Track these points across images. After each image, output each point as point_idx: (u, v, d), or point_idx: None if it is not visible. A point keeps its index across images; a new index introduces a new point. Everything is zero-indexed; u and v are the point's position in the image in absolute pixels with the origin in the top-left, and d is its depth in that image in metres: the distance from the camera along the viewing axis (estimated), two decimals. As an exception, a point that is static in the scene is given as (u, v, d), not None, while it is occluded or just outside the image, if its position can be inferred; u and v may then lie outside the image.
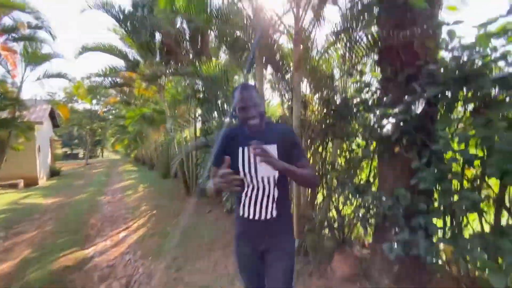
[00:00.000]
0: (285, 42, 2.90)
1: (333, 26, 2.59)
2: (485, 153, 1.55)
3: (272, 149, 1.27)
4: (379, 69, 2.40)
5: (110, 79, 5.94)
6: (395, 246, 1.93)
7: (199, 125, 7.28)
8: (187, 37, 7.05)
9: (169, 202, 6.74)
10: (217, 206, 5.91)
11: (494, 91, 1.54)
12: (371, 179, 2.88)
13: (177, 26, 6.57)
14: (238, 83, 3.73)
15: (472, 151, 1.61)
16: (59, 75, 10.55)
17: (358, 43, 2.43)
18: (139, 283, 2.93)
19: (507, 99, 1.44)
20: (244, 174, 1.31)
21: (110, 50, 6.31)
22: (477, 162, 1.62)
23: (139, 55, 6.70)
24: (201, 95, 5.81)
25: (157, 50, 6.75)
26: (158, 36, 6.86)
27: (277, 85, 3.39)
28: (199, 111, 7.54)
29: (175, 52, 6.75)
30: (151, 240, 4.18)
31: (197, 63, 3.72)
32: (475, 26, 1.76)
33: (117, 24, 6.48)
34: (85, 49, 6.20)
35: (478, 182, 1.70)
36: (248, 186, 1.34)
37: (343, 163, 3.04)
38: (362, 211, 2.33)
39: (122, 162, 26.23)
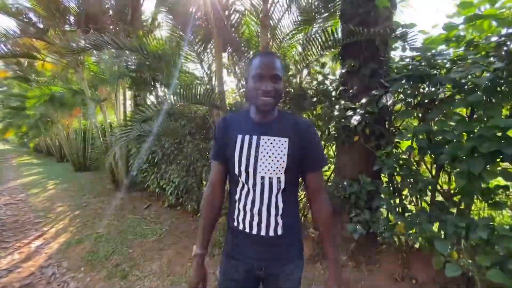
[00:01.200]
0: (248, 25, 2.73)
1: (296, 15, 2.57)
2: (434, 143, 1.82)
3: (282, 144, 0.99)
4: (339, 62, 2.53)
5: (9, 48, 4.48)
6: (358, 227, 2.12)
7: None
8: (115, 8, 5.99)
9: (94, 199, 5.81)
10: (156, 200, 5.42)
11: (443, 90, 1.81)
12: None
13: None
14: (183, 62, 3.37)
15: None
16: None
17: (319, 36, 2.49)
18: (74, 301, 2.42)
19: (456, 97, 1.70)
20: (239, 172, 1.02)
21: (3, 7, 4.76)
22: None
23: (47, 19, 5.31)
24: (135, 74, 5.08)
25: (71, 16, 5.49)
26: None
27: (233, 69, 3.22)
28: (128, 93, 6.63)
29: (98, 21, 5.63)
30: (79, 247, 3.50)
31: (142, 36, 3.15)
32: (421, 31, 2.02)
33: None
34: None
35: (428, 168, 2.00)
36: (242, 188, 1.03)
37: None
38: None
39: (15, 153, 21.10)
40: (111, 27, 5.94)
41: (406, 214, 2.05)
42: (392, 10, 2.19)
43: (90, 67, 6.11)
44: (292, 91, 2.85)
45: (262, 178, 0.99)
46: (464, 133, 1.61)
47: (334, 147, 3.03)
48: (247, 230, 1.03)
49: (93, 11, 5.61)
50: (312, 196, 1.06)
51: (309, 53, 2.64)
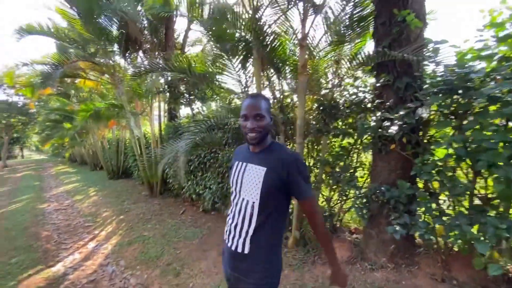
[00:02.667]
0: (284, 45, 3.00)
1: (330, 33, 2.80)
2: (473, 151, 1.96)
3: (259, 172, 1.15)
4: (373, 76, 2.72)
5: (60, 68, 5.07)
6: (397, 228, 2.28)
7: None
8: (150, 28, 6.53)
9: (134, 205, 6.24)
10: (189, 205, 5.76)
11: (477, 103, 1.95)
12: (357, 172, 3.27)
13: (140, 15, 6.03)
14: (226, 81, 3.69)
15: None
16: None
17: (355, 55, 2.70)
18: (138, 294, 2.74)
19: (490, 108, 1.85)
20: (232, 192, 1.28)
21: (61, 36, 5.38)
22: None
23: (94, 43, 5.91)
24: (171, 89, 5.50)
25: (115, 39, 6.06)
26: (115, 24, 6.17)
27: (269, 84, 3.49)
28: (164, 107, 7.11)
29: (138, 42, 6.19)
30: (131, 248, 3.86)
31: (180, 57, 3.52)
32: (452, 45, 2.18)
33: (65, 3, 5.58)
34: (24, 31, 5.16)
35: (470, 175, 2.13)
36: (232, 201, 1.27)
37: (331, 159, 3.34)
38: (361, 201, 2.65)
39: (52, 163, 22.66)
40: (148, 45, 6.49)
41: (444, 218, 2.18)
42: (424, 28, 2.37)
43: (128, 83, 6.66)
44: (326, 102, 3.07)
45: (243, 199, 1.19)
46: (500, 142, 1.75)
47: (365, 154, 3.20)
48: (227, 241, 1.24)
49: (132, 33, 6.16)
50: (308, 217, 1.25)
51: (342, 68, 2.86)
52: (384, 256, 2.63)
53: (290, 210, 3.62)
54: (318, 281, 2.56)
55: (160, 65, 3.27)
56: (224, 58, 3.42)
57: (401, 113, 2.17)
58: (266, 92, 3.91)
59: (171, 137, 5.80)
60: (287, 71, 3.15)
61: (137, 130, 6.12)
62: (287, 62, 3.05)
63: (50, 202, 7.23)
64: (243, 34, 3.14)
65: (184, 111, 7.27)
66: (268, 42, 2.97)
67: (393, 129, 2.20)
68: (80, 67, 6.42)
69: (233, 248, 1.19)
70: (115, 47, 6.28)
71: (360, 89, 2.91)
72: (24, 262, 3.51)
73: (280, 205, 1.19)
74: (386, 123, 2.32)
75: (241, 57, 3.28)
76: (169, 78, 5.34)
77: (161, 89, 5.44)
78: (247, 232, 1.16)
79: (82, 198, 7.47)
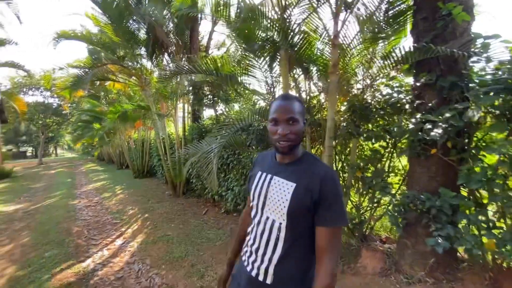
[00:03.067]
0: (312, 44, 2.90)
1: (363, 30, 2.66)
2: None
3: (288, 188, 0.97)
4: (411, 74, 2.54)
5: (92, 71, 5.33)
6: (440, 241, 2.08)
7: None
8: (175, 30, 6.68)
9: (158, 204, 6.38)
10: (212, 206, 5.78)
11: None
12: (390, 178, 3.08)
13: (166, 18, 6.18)
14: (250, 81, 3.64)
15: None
16: (13, 65, 9.25)
17: (390, 53, 2.53)
18: (163, 295, 2.75)
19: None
20: (253, 206, 1.07)
21: (92, 40, 5.67)
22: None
23: (123, 47, 6.14)
24: (196, 91, 5.56)
25: (143, 42, 6.26)
26: (144, 27, 6.38)
27: (296, 85, 3.40)
28: (188, 108, 7.23)
29: (164, 45, 6.34)
30: (156, 247, 3.92)
31: (206, 59, 3.53)
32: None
33: (96, 8, 5.85)
34: (60, 37, 5.48)
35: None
36: (253, 219, 1.07)
37: (361, 163, 3.17)
38: (396, 208, 2.47)
39: (82, 161, 24.03)
40: (173, 48, 6.63)
41: (495, 231, 1.97)
42: (471, 22, 2.17)
43: (154, 85, 6.85)
44: (357, 103, 2.92)
45: (267, 218, 1.00)
46: None
47: (398, 159, 3.00)
48: (245, 263, 1.05)
49: (158, 36, 6.32)
50: (317, 254, 0.93)
51: (375, 68, 2.70)
52: (422, 269, 2.43)
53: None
54: (349, 293, 2.42)
55: (186, 67, 3.29)
56: (250, 59, 3.37)
57: (447, 115, 1.99)
58: (292, 93, 3.82)
59: (195, 138, 5.87)
60: (315, 71, 3.03)
61: (162, 131, 6.26)
62: (316, 62, 2.93)
63: (80, 199, 7.60)
64: (270, 34, 3.07)
65: (207, 112, 7.35)
66: (296, 42, 2.88)
67: (437, 132, 2.02)
68: (109, 70, 6.70)
69: (253, 274, 1.00)
70: (143, 50, 6.48)
71: (395, 89, 2.73)
72: (57, 257, 3.67)
73: (311, 231, 0.95)
74: (428, 126, 2.14)
75: (268, 57, 3.22)
76: (194, 80, 5.40)
77: (185, 91, 5.51)
78: (270, 260, 0.97)
79: (109, 195, 7.78)
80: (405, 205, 2.36)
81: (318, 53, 2.96)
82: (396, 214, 2.51)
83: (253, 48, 3.20)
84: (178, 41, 6.60)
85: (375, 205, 3.10)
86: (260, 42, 3.07)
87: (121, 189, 8.69)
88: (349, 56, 2.78)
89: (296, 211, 0.94)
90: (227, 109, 5.71)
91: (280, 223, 0.96)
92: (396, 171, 3.07)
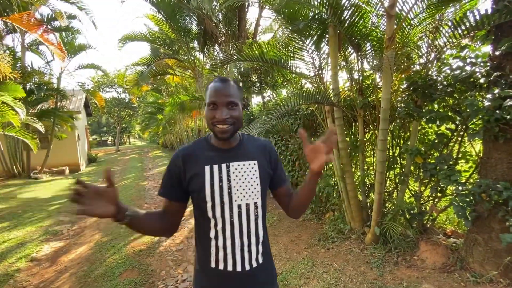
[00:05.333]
0: (367, 16, 2.64)
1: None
2: None
3: (252, 167, 0.97)
4: (489, 42, 2.13)
5: (152, 68, 5.93)
6: (520, 238, 1.77)
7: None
8: (224, 21, 6.85)
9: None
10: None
11: None
12: (459, 165, 2.70)
13: (214, 9, 6.37)
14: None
15: None
16: (93, 66, 10.81)
17: (462, 19, 2.15)
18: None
19: None
20: (213, 205, 0.92)
21: (150, 39, 6.26)
22: None
23: (177, 41, 6.60)
24: (244, 79, 5.67)
25: (195, 35, 6.61)
26: (194, 22, 6.72)
27: (346, 64, 3.19)
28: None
29: (214, 36, 6.59)
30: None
31: (253, 45, 3.54)
32: None
33: (153, 8, 6.39)
34: (126, 39, 6.19)
35: None
36: (216, 224, 0.94)
37: (423, 148, 2.84)
38: (464, 199, 2.16)
39: (149, 148, 27.15)
40: (223, 38, 6.84)
41: None
42: None
43: (206, 76, 7.24)
44: (419, 81, 2.58)
45: (239, 206, 0.94)
46: None
47: (471, 143, 2.59)
48: (230, 268, 0.94)
49: (208, 28, 6.59)
50: (288, 200, 1.06)
51: (442, 38, 2.33)
52: (494, 268, 2.11)
53: (370, 204, 3.32)
54: (403, 285, 2.26)
55: (234, 56, 3.36)
56: (296, 40, 3.26)
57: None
58: (343, 74, 3.59)
59: (244, 125, 6.06)
60: (368, 48, 2.78)
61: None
62: (369, 37, 2.67)
63: (149, 180, 8.67)
64: (317, 11, 2.90)
65: (255, 100, 7.46)
66: (347, 17, 2.66)
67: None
68: (168, 64, 7.30)
69: (247, 268, 0.95)
70: (195, 43, 6.86)
71: (468, 60, 2.32)
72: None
73: (266, 196, 1.03)
74: (510, 102, 1.79)
75: (315, 37, 3.06)
76: (242, 68, 5.51)
77: (234, 79, 5.69)
78: (257, 240, 0.97)
79: (171, 178, 8.67)
80: (476, 195, 2.05)
81: (372, 27, 2.69)
82: (464, 205, 2.20)
83: (298, 28, 3.08)
84: (227, 30, 6.77)
85: (439, 194, 2.77)
86: (306, 21, 2.93)
87: (181, 173, 9.59)
88: (408, 27, 2.45)
89: (265, 185, 1.01)
90: (274, 95, 5.70)
91: (256, 203, 0.96)
92: (468, 157, 2.66)
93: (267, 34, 7.83)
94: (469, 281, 2.18)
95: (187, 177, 0.95)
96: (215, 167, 0.94)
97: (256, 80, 5.38)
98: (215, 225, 0.93)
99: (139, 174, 10.22)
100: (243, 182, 0.95)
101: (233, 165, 0.96)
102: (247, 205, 0.95)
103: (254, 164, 0.98)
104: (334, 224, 3.49)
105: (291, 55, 3.42)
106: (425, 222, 2.92)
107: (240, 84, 6.44)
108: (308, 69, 3.51)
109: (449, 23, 2.31)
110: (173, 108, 7.01)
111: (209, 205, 0.92)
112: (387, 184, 3.35)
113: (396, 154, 3.21)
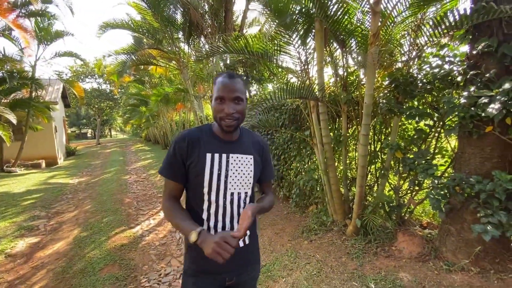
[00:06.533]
0: (352, 12, 2.66)
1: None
2: None
3: (249, 161, 1.08)
4: (466, 42, 2.22)
5: (135, 57, 5.71)
6: (489, 228, 1.89)
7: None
8: (210, 12, 6.70)
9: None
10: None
11: None
12: (435, 159, 2.82)
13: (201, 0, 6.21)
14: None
15: None
16: (71, 54, 10.28)
17: (442, 17, 2.21)
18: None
19: None
20: (209, 190, 1.01)
21: (132, 27, 6.01)
22: None
23: (161, 31, 6.39)
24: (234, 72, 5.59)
25: (180, 26, 6.42)
26: (180, 12, 6.52)
27: (331, 59, 3.22)
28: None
29: (200, 27, 6.43)
30: (194, 219, 4.23)
31: (239, 38, 3.49)
32: None
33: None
34: (106, 26, 5.91)
35: None
36: (209, 206, 1.03)
37: (403, 143, 2.94)
38: (439, 192, 2.27)
39: (131, 141, 26.39)
40: (209, 30, 6.69)
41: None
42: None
43: (191, 68, 7.08)
44: (400, 77, 2.66)
45: (232, 194, 1.04)
46: None
47: (447, 139, 2.72)
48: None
49: (194, 18, 6.42)
50: (261, 197, 1.20)
51: (423, 36, 2.40)
52: (466, 257, 2.25)
53: (351, 197, 3.42)
54: (381, 274, 2.36)
55: (221, 49, 3.31)
56: (283, 35, 3.25)
57: (507, 86, 1.71)
58: (328, 70, 3.63)
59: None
60: (353, 44, 2.81)
61: (200, 112, 6.51)
62: (354, 33, 2.71)
63: (131, 174, 8.45)
64: (304, 5, 2.90)
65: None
66: (333, 12, 2.68)
67: (494, 107, 1.76)
68: (151, 55, 7.06)
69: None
70: (180, 34, 6.67)
71: (447, 59, 2.41)
72: (112, 222, 4.20)
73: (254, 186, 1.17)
74: (484, 100, 1.88)
75: (302, 31, 3.06)
76: (228, 61, 5.43)
77: (220, 72, 5.60)
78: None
79: (155, 172, 8.50)
80: (450, 188, 2.16)
81: (357, 23, 2.72)
82: (439, 197, 2.31)
83: (285, 22, 3.07)
84: (213, 22, 6.63)
85: (416, 188, 2.89)
86: (292, 15, 2.92)
87: (165, 167, 9.41)
88: (392, 24, 2.51)
89: (256, 178, 1.13)
90: (260, 90, 5.68)
91: (246, 193, 1.08)
92: (444, 152, 2.79)
93: (254, 27, 7.75)
94: (442, 269, 2.30)
95: (188, 160, 1.02)
96: (216, 155, 1.03)
97: (242, 73, 5.33)
98: (208, 208, 1.03)
99: (121, 168, 9.94)
100: (238, 174, 1.05)
101: (232, 157, 1.05)
102: (239, 194, 1.06)
103: (251, 158, 1.09)
104: (317, 217, 3.56)
105: (278, 49, 3.41)
106: (403, 214, 3.04)
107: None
108: (295, 64, 3.52)
109: (430, 22, 2.38)
110: (157, 100, 6.83)
111: (205, 189, 1.02)
112: (368, 178, 3.45)
113: (377, 149, 3.30)
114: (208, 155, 1.02)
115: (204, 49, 4.13)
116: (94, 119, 27.28)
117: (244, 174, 1.06)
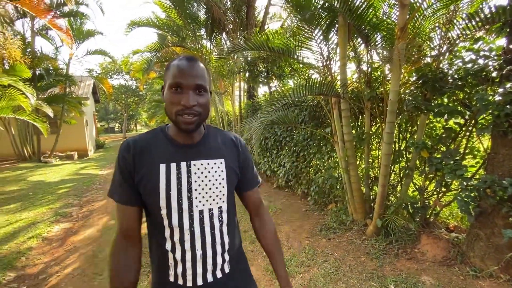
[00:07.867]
0: (377, 5, 2.57)
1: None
2: None
3: (219, 167, 0.83)
4: (504, 34, 2.06)
5: (159, 54, 5.92)
6: (523, 234, 1.77)
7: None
8: (232, 8, 6.75)
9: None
10: (264, 181, 5.99)
11: None
12: (465, 160, 2.67)
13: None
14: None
15: None
16: (101, 52, 10.83)
17: (478, 8, 2.08)
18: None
19: None
20: (169, 211, 0.76)
21: (157, 25, 6.21)
22: None
23: (184, 28, 6.54)
24: (251, 68, 5.63)
25: (202, 23, 6.54)
26: (203, 9, 6.63)
27: (355, 55, 3.13)
28: (244, 86, 7.43)
29: (222, 24, 6.51)
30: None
31: (257, 34, 3.50)
32: None
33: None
34: (134, 24, 6.16)
35: None
36: (172, 233, 0.77)
37: (430, 142, 2.81)
38: (469, 194, 2.16)
39: (155, 136, 27.38)
40: (231, 26, 6.75)
41: None
42: None
43: (213, 65, 7.19)
44: (429, 73, 2.53)
45: (201, 212, 0.79)
46: None
47: (480, 139, 2.55)
48: (189, 283, 0.78)
49: (216, 15, 6.50)
50: (254, 212, 0.97)
51: (455, 30, 2.27)
52: (495, 263, 2.12)
53: (373, 196, 3.33)
54: (402, 276, 2.30)
55: (242, 46, 3.34)
56: (305, 30, 3.21)
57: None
58: (351, 65, 3.53)
59: (250, 115, 6.06)
60: (378, 39, 2.72)
61: (221, 108, 6.62)
62: (379, 27, 2.61)
63: (154, 168, 8.81)
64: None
65: (262, 90, 7.43)
66: (357, 4, 2.60)
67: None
68: (175, 52, 7.26)
69: (208, 280, 0.80)
70: (202, 31, 6.79)
71: (482, 53, 2.26)
72: (137, 212, 4.43)
73: (235, 204, 0.90)
74: (521, 97, 1.75)
75: (324, 26, 3.01)
76: (249, 58, 5.46)
77: (241, 69, 5.64)
78: (223, 249, 0.82)
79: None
80: (480, 191, 2.04)
81: (383, 17, 2.62)
82: (468, 200, 2.20)
83: (308, 17, 3.02)
84: (235, 18, 6.68)
85: (443, 189, 2.76)
86: (315, 10, 2.87)
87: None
88: (421, 17, 2.39)
89: (233, 186, 0.87)
90: (281, 86, 5.66)
91: (220, 207, 0.83)
92: (475, 152, 2.63)
93: (276, 22, 7.69)
94: (468, 275, 2.19)
95: (137, 176, 0.77)
96: (173, 166, 0.78)
97: (263, 69, 5.33)
98: (171, 235, 0.77)
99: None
100: (206, 185, 0.80)
101: (194, 164, 0.80)
102: (210, 210, 0.80)
103: (221, 163, 0.84)
104: (336, 215, 3.52)
105: (299, 44, 3.37)
106: (428, 216, 2.92)
107: (247, 74, 6.41)
108: (316, 59, 3.47)
109: (463, 15, 2.24)
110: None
111: (163, 212, 0.76)
112: (392, 178, 3.34)
113: (402, 148, 3.18)
114: (162, 166, 0.77)
115: (225, 46, 4.18)
116: (121, 114, 28.67)
117: (213, 184, 0.81)
